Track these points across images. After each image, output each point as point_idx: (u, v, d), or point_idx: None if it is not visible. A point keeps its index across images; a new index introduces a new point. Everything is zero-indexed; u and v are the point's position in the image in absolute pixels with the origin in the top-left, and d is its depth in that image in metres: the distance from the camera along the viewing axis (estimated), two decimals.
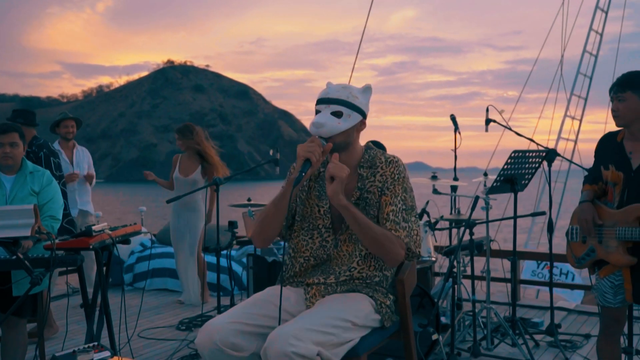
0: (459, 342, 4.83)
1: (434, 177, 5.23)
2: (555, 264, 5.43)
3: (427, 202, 5.11)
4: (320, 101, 2.76)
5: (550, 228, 4.88)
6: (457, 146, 5.65)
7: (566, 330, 5.34)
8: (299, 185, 2.66)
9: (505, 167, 4.70)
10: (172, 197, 5.62)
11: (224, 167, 6.46)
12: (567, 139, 12.45)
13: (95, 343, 3.03)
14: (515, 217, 4.84)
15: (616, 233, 3.34)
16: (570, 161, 6.06)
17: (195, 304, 6.46)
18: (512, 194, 4.87)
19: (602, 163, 3.48)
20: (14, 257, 3.44)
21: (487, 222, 4.78)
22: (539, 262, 8.21)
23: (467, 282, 5.41)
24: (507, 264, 5.15)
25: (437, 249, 5.07)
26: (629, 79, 3.35)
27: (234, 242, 5.64)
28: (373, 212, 2.74)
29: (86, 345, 2.97)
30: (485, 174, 5.27)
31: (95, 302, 4.25)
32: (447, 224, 5.44)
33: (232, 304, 5.23)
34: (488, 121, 5.14)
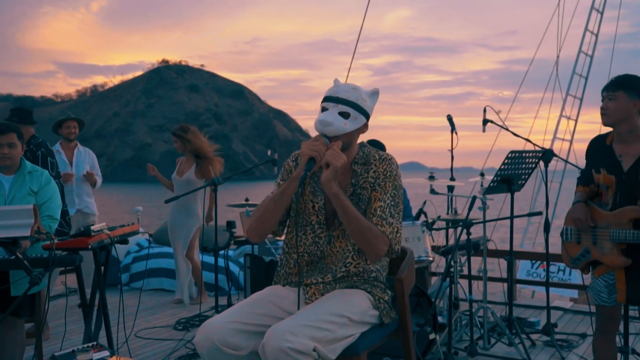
0: (456, 342, 4.84)
1: (431, 177, 5.25)
2: (551, 262, 5.45)
3: (425, 202, 5.12)
4: (329, 99, 2.75)
5: (547, 228, 4.90)
6: (453, 146, 5.67)
7: (562, 330, 5.37)
8: (303, 183, 2.66)
9: (503, 167, 4.72)
10: (170, 197, 5.65)
11: (219, 160, 6.50)
12: (563, 139, 12.50)
13: (94, 343, 3.03)
14: (512, 217, 4.86)
15: (610, 235, 3.37)
16: (566, 161, 6.09)
17: (185, 301, 6.56)
18: (509, 194, 4.89)
19: (593, 166, 3.51)
20: (13, 257, 3.44)
21: (484, 222, 4.80)
22: (534, 261, 8.25)
23: (464, 282, 5.43)
24: (503, 263, 5.17)
25: (434, 248, 5.09)
26: (622, 79, 3.38)
27: (232, 242, 5.64)
28: (364, 207, 2.76)
29: (85, 345, 2.98)
30: (482, 174, 5.29)
31: (93, 302, 4.25)
32: (444, 224, 5.45)
33: (230, 304, 5.24)
34: (485, 121, 5.16)
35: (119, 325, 4.34)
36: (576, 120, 12.62)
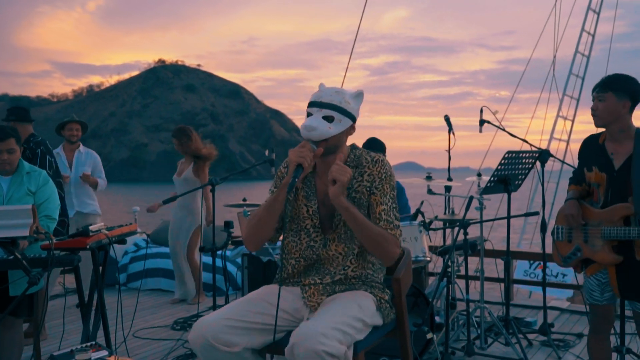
0: (453, 342, 4.86)
1: (429, 178, 5.26)
2: (548, 264, 5.46)
3: (422, 203, 5.14)
4: (312, 104, 2.78)
5: (544, 228, 4.92)
6: (451, 147, 5.69)
7: (559, 330, 5.39)
8: (292, 189, 2.69)
9: (499, 167, 4.74)
10: (168, 197, 5.68)
11: (211, 149, 6.56)
12: (560, 140, 12.51)
13: (93, 342, 3.05)
14: (508, 217, 4.88)
15: (601, 232, 3.39)
16: (563, 162, 6.11)
17: (187, 297, 6.63)
18: (506, 194, 4.90)
19: (585, 165, 3.53)
20: (12, 256, 3.45)
21: (481, 222, 4.82)
22: (531, 262, 8.26)
23: (461, 282, 5.45)
24: (500, 263, 5.19)
25: (432, 249, 5.10)
26: (611, 80, 3.39)
27: (229, 242, 5.65)
28: (363, 211, 2.77)
29: (83, 345, 2.99)
30: (479, 174, 5.31)
31: (91, 302, 4.26)
32: (441, 224, 5.47)
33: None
34: (482, 122, 5.17)
35: (117, 325, 4.35)
36: (573, 121, 12.65)
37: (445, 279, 4.50)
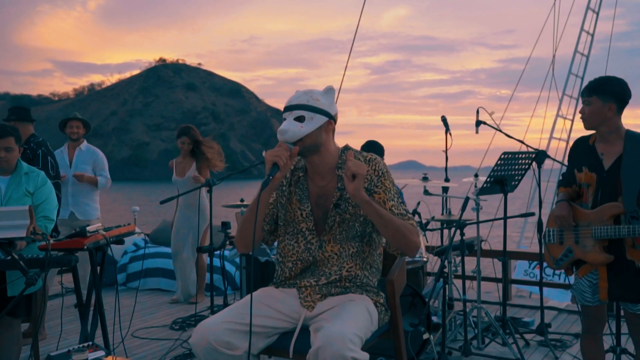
0: (450, 342, 4.88)
1: (425, 179, 5.28)
2: (545, 264, 5.48)
3: (419, 203, 5.15)
4: (285, 109, 2.83)
5: (540, 228, 4.93)
6: (447, 147, 5.70)
7: (556, 330, 5.40)
8: (272, 188, 2.73)
9: (496, 168, 4.75)
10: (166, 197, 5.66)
11: (219, 156, 6.56)
12: (559, 139, 12.51)
13: (90, 342, 3.06)
14: (505, 218, 4.89)
15: (592, 232, 3.40)
16: (562, 162, 6.12)
17: (188, 297, 6.62)
18: (503, 195, 4.92)
19: (575, 166, 3.55)
20: (9, 257, 3.46)
21: (478, 222, 4.83)
22: (531, 262, 8.26)
23: (458, 282, 5.46)
24: (498, 263, 5.20)
25: (429, 249, 5.11)
26: (596, 84, 3.42)
27: (227, 242, 5.67)
28: (359, 211, 2.80)
29: (81, 345, 3.00)
30: (476, 175, 5.32)
31: (89, 302, 4.28)
32: (438, 224, 5.48)
33: (226, 304, 5.26)
34: (478, 123, 5.18)
35: (115, 325, 4.37)
36: (572, 120, 12.64)
37: (442, 279, 4.51)
